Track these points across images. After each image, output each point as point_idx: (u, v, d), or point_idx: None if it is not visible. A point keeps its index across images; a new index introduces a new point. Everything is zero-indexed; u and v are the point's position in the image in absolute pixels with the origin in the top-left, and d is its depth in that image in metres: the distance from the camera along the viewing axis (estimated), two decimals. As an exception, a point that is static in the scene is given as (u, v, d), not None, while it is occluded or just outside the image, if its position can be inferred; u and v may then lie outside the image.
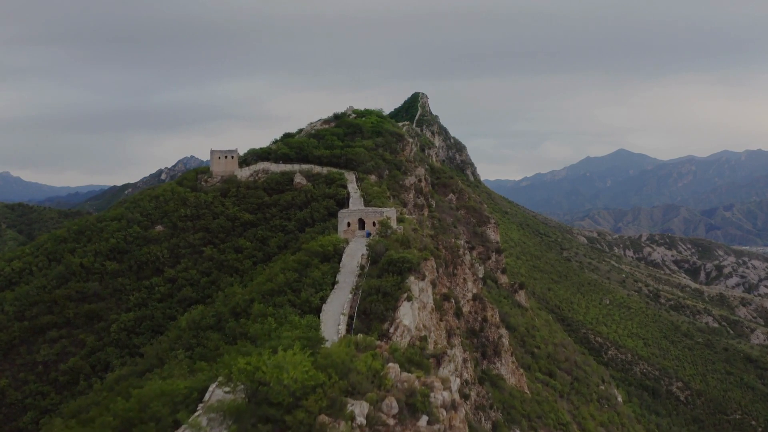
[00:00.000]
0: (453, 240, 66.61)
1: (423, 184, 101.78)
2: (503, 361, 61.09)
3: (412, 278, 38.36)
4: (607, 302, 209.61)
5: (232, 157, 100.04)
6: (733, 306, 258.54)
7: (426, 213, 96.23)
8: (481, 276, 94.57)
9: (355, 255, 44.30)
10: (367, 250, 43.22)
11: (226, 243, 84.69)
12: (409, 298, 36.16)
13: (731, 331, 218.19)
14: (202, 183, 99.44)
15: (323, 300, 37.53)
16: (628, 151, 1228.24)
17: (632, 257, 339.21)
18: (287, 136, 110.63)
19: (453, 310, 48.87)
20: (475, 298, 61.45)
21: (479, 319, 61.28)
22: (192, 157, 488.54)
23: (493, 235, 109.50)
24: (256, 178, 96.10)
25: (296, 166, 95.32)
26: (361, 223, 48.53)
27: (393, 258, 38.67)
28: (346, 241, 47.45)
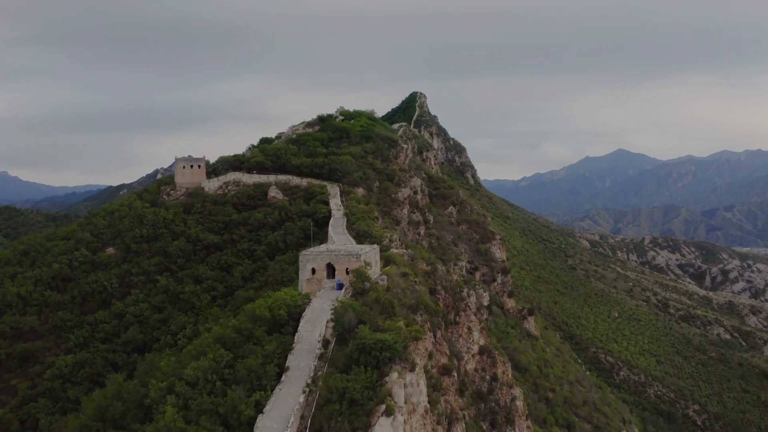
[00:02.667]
0: (454, 276, 53.44)
1: (419, 196, 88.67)
2: (517, 429, 48.15)
3: (395, 374, 25.22)
4: (616, 315, 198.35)
5: (199, 166, 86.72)
6: (742, 314, 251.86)
7: (422, 231, 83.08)
8: (486, 304, 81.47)
9: (317, 322, 31.19)
10: (332, 314, 30.16)
11: (185, 270, 71.42)
12: (390, 412, 23.05)
13: (744, 343, 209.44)
14: (164, 196, 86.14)
15: (259, 407, 24.48)
16: (628, 151, 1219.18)
17: (636, 261, 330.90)
18: (265, 141, 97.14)
19: (456, 385, 35.78)
20: (482, 351, 48.43)
21: (487, 378, 48.27)
22: (189, 156, 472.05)
23: (499, 252, 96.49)
24: (226, 190, 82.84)
25: (272, 177, 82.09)
26: (331, 269, 35.51)
27: (366, 342, 25.55)
28: (308, 297, 34.26)
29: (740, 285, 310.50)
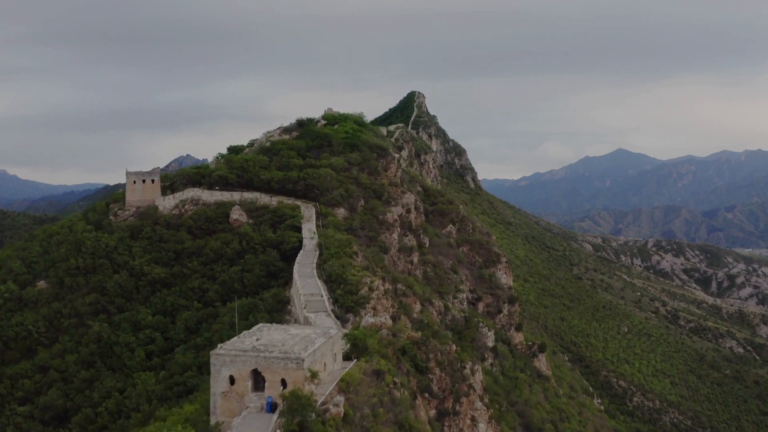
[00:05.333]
0: (453, 346, 40.24)
1: (413, 215, 75.57)
2: None
3: None
4: (626, 330, 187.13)
5: (153, 180, 73.35)
6: (753, 324, 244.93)
7: (416, 258, 69.95)
8: (491, 345, 68.53)
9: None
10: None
11: (124, 312, 58.19)
12: None
13: (758, 357, 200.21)
14: (111, 217, 72.79)
15: None
16: (627, 151, 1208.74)
17: (641, 266, 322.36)
18: (233, 150, 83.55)
19: None
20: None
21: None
22: (188, 156, 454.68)
23: (505, 278, 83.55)
24: (182, 210, 69.52)
25: (236, 195, 68.78)
26: (259, 379, 22.29)
27: None
28: (218, 431, 21.07)
29: (747, 291, 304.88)
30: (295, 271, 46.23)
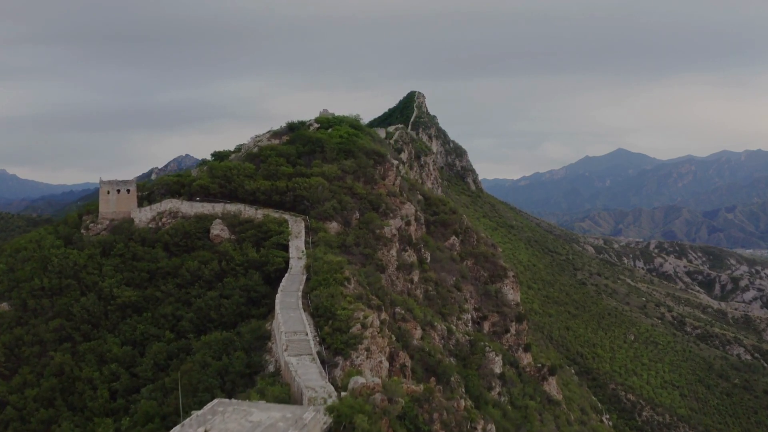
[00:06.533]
0: (462, 402, 34.19)
1: (413, 227, 69.34)
2: None
3: None
4: (632, 338, 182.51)
5: (128, 191, 67.01)
6: (760, 329, 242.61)
7: (416, 276, 63.74)
8: (498, 371, 62.41)
9: None
10: None
11: (90, 341, 51.94)
12: None
13: (766, 365, 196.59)
14: (83, 231, 66.52)
15: None
16: (627, 151, 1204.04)
17: (643, 269, 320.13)
18: (217, 156, 77.08)
19: None
20: None
21: None
22: (187, 155, 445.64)
23: (512, 294, 77.41)
24: (159, 224, 63.28)
25: (218, 207, 62.55)
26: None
27: None
28: None
29: (751, 294, 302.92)
30: (277, 302, 40.04)
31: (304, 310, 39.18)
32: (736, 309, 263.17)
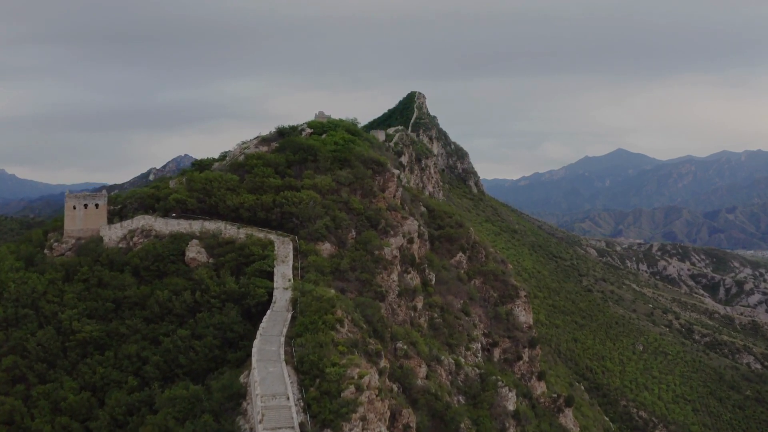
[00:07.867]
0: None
1: (416, 245, 62.26)
2: None
3: None
4: (641, 348, 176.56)
5: (97, 205, 59.82)
6: (767, 336, 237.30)
7: (419, 303, 56.61)
8: (512, 409, 55.41)
9: None
10: None
11: (47, 384, 44.87)
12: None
13: None
14: (47, 251, 59.33)
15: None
16: (627, 151, 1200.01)
17: (646, 272, 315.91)
18: (198, 166, 69.74)
19: None
20: None
21: None
22: (186, 155, 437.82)
23: (524, 315, 70.42)
24: (130, 243, 56.17)
25: (196, 225, 55.41)
26: None
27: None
28: None
29: (756, 297, 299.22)
30: (254, 351, 32.93)
31: (287, 363, 32.10)
32: (742, 314, 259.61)
